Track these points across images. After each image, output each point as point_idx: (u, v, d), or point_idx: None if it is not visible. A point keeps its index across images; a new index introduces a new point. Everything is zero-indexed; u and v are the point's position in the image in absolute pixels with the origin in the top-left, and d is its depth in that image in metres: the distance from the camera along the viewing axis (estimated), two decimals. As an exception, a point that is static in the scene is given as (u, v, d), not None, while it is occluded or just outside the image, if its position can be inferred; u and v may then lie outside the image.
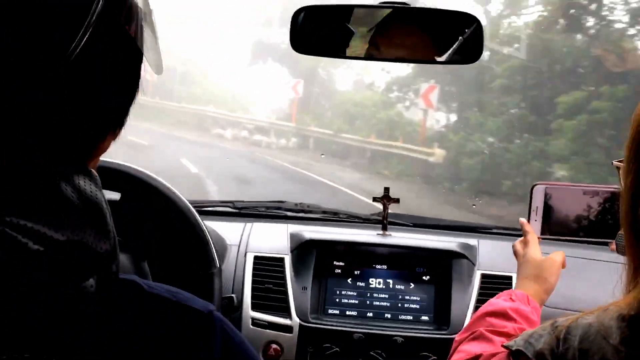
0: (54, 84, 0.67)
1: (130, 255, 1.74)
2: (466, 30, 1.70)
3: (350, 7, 1.75)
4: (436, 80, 17.84)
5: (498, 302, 1.43)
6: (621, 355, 0.94)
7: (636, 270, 0.97)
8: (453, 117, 18.50)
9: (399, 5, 1.67)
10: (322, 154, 18.58)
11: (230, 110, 25.22)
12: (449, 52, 1.74)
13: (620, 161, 1.05)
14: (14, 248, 0.62)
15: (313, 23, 1.76)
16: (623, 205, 1.00)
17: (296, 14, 1.73)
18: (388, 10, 1.71)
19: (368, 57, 1.80)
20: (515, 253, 1.59)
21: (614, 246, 1.46)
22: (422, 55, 1.80)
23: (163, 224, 1.85)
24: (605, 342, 0.96)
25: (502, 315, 1.37)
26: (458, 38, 1.71)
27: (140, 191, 1.83)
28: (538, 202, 1.56)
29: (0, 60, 0.64)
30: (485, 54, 16.17)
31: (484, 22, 1.68)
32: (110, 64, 0.73)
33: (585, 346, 0.98)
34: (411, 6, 1.68)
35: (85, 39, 0.66)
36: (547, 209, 1.55)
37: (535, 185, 1.57)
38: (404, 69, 20.12)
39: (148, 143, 15.81)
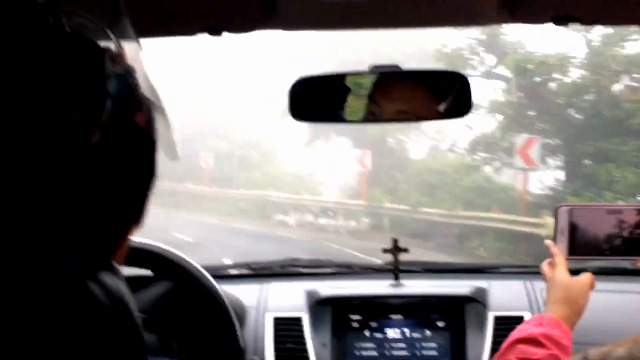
0: (74, 179, 0.67)
1: (158, 336, 1.77)
2: (456, 86, 1.76)
3: (344, 75, 1.81)
4: (531, 131, 15.18)
5: (527, 328, 1.41)
6: None
7: None
8: (560, 175, 16.12)
9: (391, 70, 1.73)
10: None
11: (293, 192, 23.22)
12: (442, 108, 1.79)
13: None
14: None
15: (310, 92, 1.82)
16: None
17: (294, 86, 1.78)
18: (380, 72, 1.78)
19: (365, 119, 1.85)
20: (544, 275, 1.56)
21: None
22: (420, 112, 1.83)
23: (191, 304, 1.87)
24: None
25: (533, 341, 1.36)
26: (449, 95, 1.77)
27: (168, 270, 1.84)
28: (563, 223, 1.56)
29: (23, 158, 0.65)
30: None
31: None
32: (125, 155, 0.73)
33: None
34: (402, 69, 1.74)
35: (99, 135, 0.67)
36: (573, 229, 1.55)
37: (560, 206, 1.57)
38: (490, 123, 17.78)
39: (194, 240, 14.72)
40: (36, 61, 0.67)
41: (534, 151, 13.71)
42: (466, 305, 2.09)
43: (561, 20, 1.37)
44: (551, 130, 15.69)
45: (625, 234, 1.49)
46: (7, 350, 0.64)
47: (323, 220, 18.68)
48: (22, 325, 0.64)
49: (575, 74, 16.48)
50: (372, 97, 1.82)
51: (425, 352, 2.04)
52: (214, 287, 1.87)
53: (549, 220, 12.07)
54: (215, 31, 1.45)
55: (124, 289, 0.72)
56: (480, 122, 18.44)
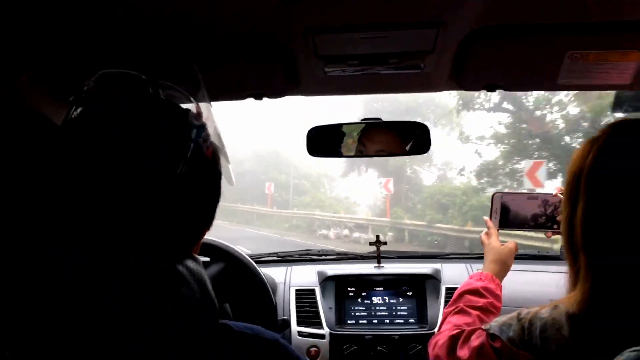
0: (168, 197, 0.69)
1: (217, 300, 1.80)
2: (418, 132, 1.79)
3: (342, 124, 1.85)
4: (531, 158, 13.79)
5: (471, 282, 1.39)
6: (572, 344, 0.92)
7: (574, 275, 0.94)
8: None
9: (374, 121, 1.76)
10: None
11: (334, 212, 22.24)
12: (410, 147, 1.82)
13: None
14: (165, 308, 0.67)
15: (320, 136, 1.85)
16: (563, 227, 0.97)
17: (310, 131, 1.82)
18: (368, 123, 1.81)
19: (355, 155, 1.88)
20: (482, 242, 1.53)
21: (549, 234, 1.44)
22: (393, 150, 1.83)
23: (238, 278, 1.90)
24: (559, 333, 0.94)
25: (476, 292, 1.34)
26: (412, 138, 1.80)
27: (220, 255, 1.89)
28: (497, 205, 1.55)
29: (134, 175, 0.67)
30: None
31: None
32: (200, 179, 0.74)
33: (544, 335, 0.96)
34: (383, 120, 1.77)
35: (183, 165, 0.68)
36: (503, 210, 1.54)
37: (495, 193, 1.57)
38: (493, 152, 16.26)
39: (250, 251, 14.13)
40: (142, 120, 0.69)
41: (541, 173, 12.22)
42: (427, 280, 2.10)
43: (491, 87, 1.40)
44: (549, 156, 14.23)
45: (539, 213, 1.48)
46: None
47: (356, 234, 17.69)
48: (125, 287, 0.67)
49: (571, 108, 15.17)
50: (360, 140, 1.86)
51: (399, 313, 2.05)
52: (254, 266, 1.91)
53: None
54: (258, 97, 1.48)
55: (202, 270, 0.75)
56: (486, 150, 17.24)
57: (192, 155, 0.70)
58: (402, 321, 2.04)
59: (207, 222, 0.78)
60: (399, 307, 2.07)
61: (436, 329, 1.93)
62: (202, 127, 0.72)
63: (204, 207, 0.76)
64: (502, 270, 1.44)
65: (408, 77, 1.37)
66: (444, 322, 1.33)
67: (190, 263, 0.74)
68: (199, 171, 0.73)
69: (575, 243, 0.93)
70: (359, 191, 28.94)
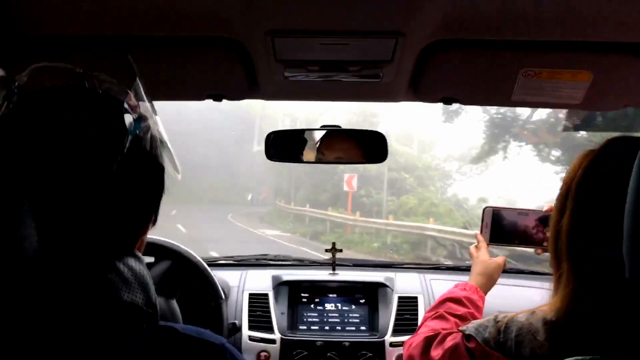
0: (103, 192, 0.67)
1: (164, 297, 1.77)
2: (376, 140, 1.80)
3: (303, 130, 1.84)
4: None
5: (455, 291, 1.38)
6: (545, 347, 0.93)
7: (557, 282, 0.95)
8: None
9: (333, 128, 1.77)
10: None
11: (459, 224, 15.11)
12: (366, 155, 1.83)
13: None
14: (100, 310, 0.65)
15: (280, 141, 1.84)
16: (550, 234, 0.98)
17: (268, 136, 1.80)
18: (327, 130, 1.81)
19: (318, 161, 1.87)
20: (471, 255, 1.53)
21: (539, 251, 1.42)
22: (351, 157, 1.83)
23: (184, 275, 1.86)
24: (533, 338, 0.95)
25: (458, 301, 1.34)
26: (370, 146, 1.81)
27: (167, 254, 1.85)
28: (487, 220, 1.53)
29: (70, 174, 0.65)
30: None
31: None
32: (138, 174, 0.72)
33: (519, 339, 0.97)
34: (342, 128, 1.77)
35: (120, 159, 0.67)
36: (494, 224, 1.52)
37: (486, 207, 1.54)
38: None
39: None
40: (76, 114, 0.68)
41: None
42: (379, 288, 2.10)
43: (447, 100, 1.41)
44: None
45: (529, 229, 1.46)
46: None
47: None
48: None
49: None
50: (319, 147, 1.85)
51: (351, 320, 2.05)
52: (202, 265, 1.89)
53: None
54: (217, 98, 1.46)
55: (144, 270, 0.73)
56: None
57: (129, 148, 0.68)
58: (353, 328, 2.03)
59: (148, 217, 0.76)
60: (351, 314, 2.06)
61: (387, 337, 1.94)
62: (140, 120, 0.71)
63: (144, 202, 0.75)
64: (488, 283, 1.45)
65: (367, 86, 1.37)
66: (422, 325, 1.33)
67: (132, 262, 0.72)
68: (138, 165, 0.72)
69: (560, 249, 0.95)
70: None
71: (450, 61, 1.24)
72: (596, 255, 0.89)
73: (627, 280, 0.76)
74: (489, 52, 1.20)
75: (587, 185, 0.92)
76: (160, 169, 0.77)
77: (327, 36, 1.12)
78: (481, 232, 1.55)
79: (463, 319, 1.29)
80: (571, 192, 0.94)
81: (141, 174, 0.73)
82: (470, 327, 1.09)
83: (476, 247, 1.54)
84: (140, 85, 0.75)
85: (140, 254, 0.76)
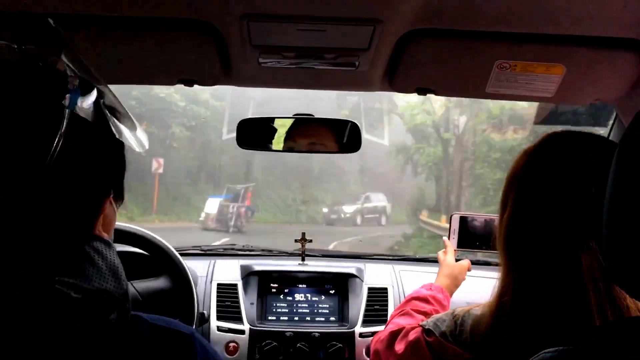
0: (44, 182, 0.63)
1: (135, 290, 1.74)
2: (349, 130, 1.79)
3: (274, 118, 1.83)
4: None
5: (421, 290, 1.43)
6: (492, 338, 0.96)
7: (504, 277, 0.98)
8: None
9: (306, 117, 1.75)
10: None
11: None
12: (340, 145, 1.82)
13: None
14: (61, 298, 0.63)
15: (251, 128, 1.82)
16: (497, 230, 1.02)
17: (240, 123, 1.78)
18: (299, 118, 1.79)
19: (287, 150, 1.86)
20: (438, 259, 1.59)
21: None
22: (324, 145, 1.83)
23: (157, 263, 1.84)
24: (485, 328, 0.98)
25: (424, 300, 1.38)
26: (345, 136, 1.80)
27: (139, 243, 1.82)
28: (455, 225, 1.59)
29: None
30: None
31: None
32: (91, 153, 0.70)
33: (474, 331, 1.01)
34: (314, 116, 1.76)
35: (59, 147, 0.63)
36: (461, 230, 1.58)
37: (453, 214, 1.60)
38: None
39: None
40: (15, 88, 0.65)
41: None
42: (349, 279, 2.10)
43: (422, 91, 1.41)
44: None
45: (495, 235, 1.52)
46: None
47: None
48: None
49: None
50: (290, 135, 1.84)
51: (320, 310, 2.04)
52: (175, 255, 1.85)
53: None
54: (188, 83, 1.43)
55: (114, 256, 0.71)
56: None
57: (71, 123, 0.65)
58: (323, 319, 2.03)
59: (104, 192, 0.73)
60: (320, 305, 2.06)
61: (356, 328, 1.95)
62: (77, 92, 0.67)
63: (98, 176, 0.72)
64: (453, 284, 1.51)
65: (343, 75, 1.37)
66: (389, 322, 1.36)
67: (101, 247, 0.70)
68: (82, 138, 0.68)
69: (501, 243, 0.99)
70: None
71: (426, 51, 1.24)
72: (530, 249, 0.94)
73: (555, 270, 0.85)
74: (464, 43, 1.21)
75: (525, 179, 0.96)
76: (117, 143, 0.75)
77: (303, 22, 1.10)
78: (449, 237, 1.62)
79: (428, 315, 1.32)
80: (512, 187, 0.98)
81: (86, 148, 0.70)
82: (429, 321, 1.13)
83: (444, 252, 1.60)
84: (84, 62, 0.72)
85: (110, 240, 0.74)
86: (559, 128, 1.05)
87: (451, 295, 1.48)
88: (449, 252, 1.58)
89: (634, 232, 0.57)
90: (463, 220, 1.59)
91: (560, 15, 1.08)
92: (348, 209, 16.23)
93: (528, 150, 1.00)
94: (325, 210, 16.72)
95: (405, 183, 16.74)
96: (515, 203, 0.97)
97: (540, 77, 1.29)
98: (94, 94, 0.71)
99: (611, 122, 1.59)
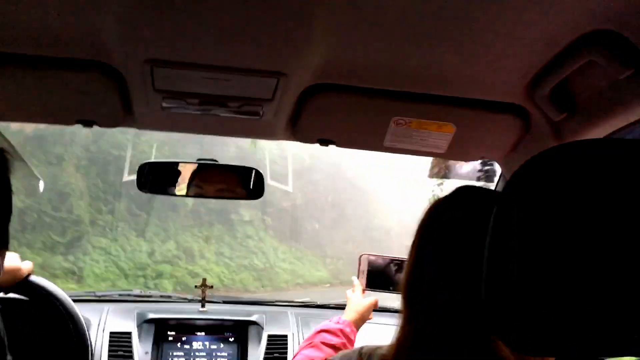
0: None
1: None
2: (253, 177, 1.80)
3: (177, 162, 1.79)
4: None
5: (329, 323, 1.46)
6: None
7: (404, 324, 0.98)
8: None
9: (210, 162, 1.73)
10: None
11: None
12: (246, 191, 1.81)
13: None
14: None
15: (154, 172, 1.77)
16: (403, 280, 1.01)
17: (142, 166, 1.73)
18: (203, 164, 1.77)
19: (193, 195, 1.82)
20: (346, 296, 1.63)
21: None
22: (232, 192, 1.82)
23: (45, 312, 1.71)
24: None
25: (332, 332, 1.42)
26: (249, 182, 1.80)
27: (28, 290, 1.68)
28: (364, 266, 1.64)
29: None
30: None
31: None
32: None
33: None
34: (218, 163, 1.75)
35: None
36: (370, 271, 1.63)
37: (362, 255, 1.65)
38: None
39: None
40: None
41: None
42: (249, 326, 2.07)
43: (323, 142, 1.45)
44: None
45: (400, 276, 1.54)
46: None
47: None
48: None
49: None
50: (196, 181, 1.81)
51: (219, 359, 2.00)
52: (68, 301, 1.73)
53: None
54: (87, 124, 1.38)
55: None
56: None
57: None
58: (221, 368, 1.97)
59: None
60: (219, 354, 2.01)
61: None
62: None
63: None
64: (360, 319, 1.56)
65: (247, 123, 1.37)
66: (298, 354, 1.37)
67: None
68: None
69: (403, 291, 0.99)
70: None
71: (327, 104, 1.28)
72: (421, 293, 0.95)
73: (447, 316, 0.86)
74: (364, 99, 1.25)
75: (427, 229, 0.98)
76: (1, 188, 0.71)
77: (208, 70, 1.10)
78: (358, 277, 1.67)
79: (336, 348, 1.36)
80: (416, 236, 0.99)
81: None
82: (336, 357, 1.12)
83: (352, 289, 1.66)
84: None
85: None
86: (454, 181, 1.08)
87: (358, 329, 1.52)
88: (357, 290, 1.64)
89: (509, 285, 0.61)
90: (371, 261, 1.64)
91: (451, 79, 1.16)
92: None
93: (437, 201, 1.01)
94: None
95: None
96: (417, 256, 0.98)
97: (433, 134, 1.36)
98: None
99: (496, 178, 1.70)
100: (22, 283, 1.62)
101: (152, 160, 1.75)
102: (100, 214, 11.26)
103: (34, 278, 1.66)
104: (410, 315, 0.98)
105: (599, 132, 1.14)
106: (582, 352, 0.63)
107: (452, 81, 1.17)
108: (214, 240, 12.66)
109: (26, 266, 1.44)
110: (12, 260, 1.40)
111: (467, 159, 1.57)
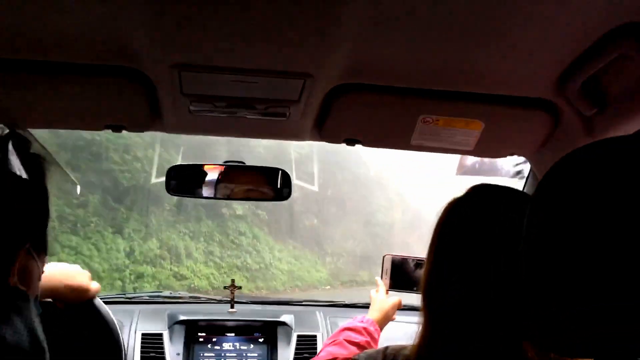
0: None
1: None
2: (280, 178, 1.80)
3: (204, 165, 1.80)
4: None
5: (354, 322, 1.48)
6: None
7: (425, 325, 0.98)
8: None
9: (237, 164, 1.74)
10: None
11: None
12: (274, 192, 1.81)
13: None
14: None
15: (182, 175, 1.79)
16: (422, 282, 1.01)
17: (170, 170, 1.75)
18: (230, 165, 1.78)
19: (222, 197, 1.83)
20: (370, 296, 1.65)
21: None
22: (261, 192, 1.83)
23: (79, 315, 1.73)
24: None
25: (356, 331, 1.43)
26: (276, 183, 1.80)
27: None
28: (387, 266, 1.65)
29: None
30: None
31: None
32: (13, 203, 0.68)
33: None
34: (245, 164, 1.76)
35: None
36: (393, 271, 1.64)
37: (386, 255, 1.66)
38: None
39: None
40: None
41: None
42: (279, 327, 2.08)
43: (350, 141, 1.45)
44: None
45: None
46: None
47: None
48: None
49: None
50: (225, 183, 1.82)
51: (249, 359, 2.01)
52: (106, 309, 1.76)
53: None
54: (117, 129, 1.40)
55: (31, 310, 0.69)
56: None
57: None
58: (252, 368, 1.98)
59: (18, 243, 0.70)
60: (249, 354, 2.02)
61: None
62: None
63: (11, 227, 0.69)
64: (384, 319, 1.57)
65: (274, 124, 1.38)
66: (322, 350, 1.39)
67: (13, 297, 0.67)
68: (8, 192, 0.67)
69: (422, 293, 0.99)
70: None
71: (353, 104, 1.28)
72: (442, 291, 0.95)
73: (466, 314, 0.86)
74: (390, 98, 1.25)
75: (446, 228, 0.98)
76: (40, 193, 0.73)
77: (235, 73, 1.11)
78: (382, 277, 1.68)
79: (361, 347, 1.37)
80: (435, 236, 0.99)
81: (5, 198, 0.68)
82: (361, 355, 1.12)
83: (377, 290, 1.67)
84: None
85: (29, 293, 0.70)
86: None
87: (382, 328, 1.53)
88: (381, 290, 1.65)
89: (548, 291, 0.60)
90: (394, 261, 1.64)
91: (479, 76, 1.15)
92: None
93: (455, 200, 1.00)
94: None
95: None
96: (435, 255, 0.98)
97: (461, 131, 1.35)
98: (18, 142, 0.69)
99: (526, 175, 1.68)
100: (87, 305, 1.62)
101: (179, 164, 1.75)
102: (69, 208, 10.22)
103: (97, 302, 1.65)
104: (430, 315, 0.98)
105: (631, 127, 1.11)
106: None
107: (480, 78, 1.16)
108: (202, 238, 11.66)
109: (94, 287, 1.36)
110: (82, 278, 1.34)
111: (496, 155, 1.55)
